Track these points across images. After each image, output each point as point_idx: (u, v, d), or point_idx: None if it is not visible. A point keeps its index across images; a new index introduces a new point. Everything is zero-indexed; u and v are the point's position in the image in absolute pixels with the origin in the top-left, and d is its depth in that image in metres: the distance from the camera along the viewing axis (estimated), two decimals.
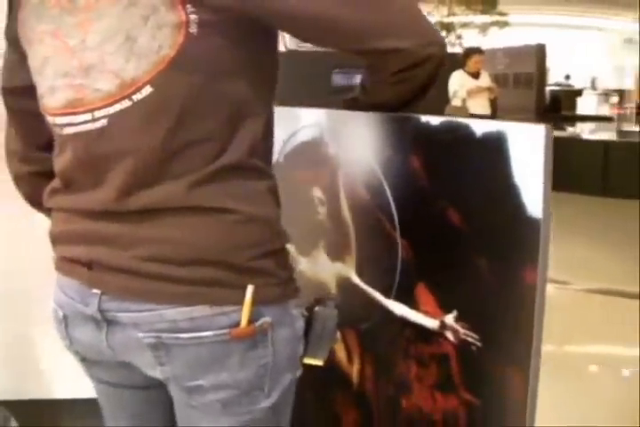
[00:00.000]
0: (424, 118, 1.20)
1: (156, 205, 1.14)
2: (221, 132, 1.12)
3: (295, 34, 1.21)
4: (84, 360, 1.34)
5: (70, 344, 1.31)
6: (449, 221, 1.16)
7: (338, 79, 2.87)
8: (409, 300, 1.31)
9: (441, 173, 1.18)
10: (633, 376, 3.39)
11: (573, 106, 13.90)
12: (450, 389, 1.26)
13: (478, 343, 1.16)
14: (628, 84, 17.74)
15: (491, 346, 1.15)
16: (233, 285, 1.13)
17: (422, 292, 1.27)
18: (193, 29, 1.05)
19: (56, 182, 1.26)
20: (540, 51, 13.44)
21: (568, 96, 13.79)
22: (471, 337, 1.18)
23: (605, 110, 14.60)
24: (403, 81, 1.19)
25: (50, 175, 1.34)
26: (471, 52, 8.16)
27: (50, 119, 1.19)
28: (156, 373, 1.21)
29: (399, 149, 1.27)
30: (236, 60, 1.10)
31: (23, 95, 1.30)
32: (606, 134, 10.01)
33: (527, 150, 0.98)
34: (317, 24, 1.10)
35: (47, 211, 1.40)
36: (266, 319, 1.15)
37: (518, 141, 1.00)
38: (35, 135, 1.35)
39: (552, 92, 13.16)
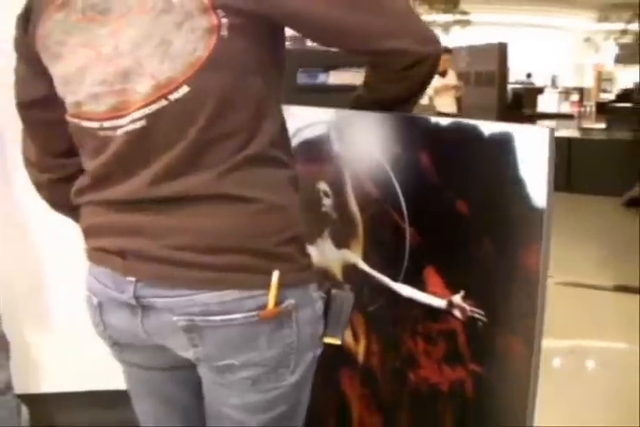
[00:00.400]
0: (433, 119, 1.35)
1: (186, 193, 1.21)
2: (247, 125, 1.21)
3: (306, 35, 1.31)
4: (115, 345, 1.41)
5: (104, 330, 1.38)
6: (457, 211, 1.31)
7: (302, 78, 3.00)
8: (417, 283, 1.45)
9: (450, 169, 1.32)
10: (597, 368, 3.59)
11: (535, 104, 14.15)
12: (457, 361, 1.40)
13: (484, 319, 1.31)
14: (588, 82, 18.15)
15: (496, 320, 1.30)
16: (259, 270, 1.22)
17: (431, 275, 1.42)
18: (224, 32, 1.14)
19: (84, 180, 1.34)
20: (501, 49, 13.63)
21: (529, 94, 14.01)
22: (478, 313, 1.33)
23: (566, 108, 14.93)
24: (404, 79, 1.30)
25: (69, 180, 1.41)
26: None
27: (88, 124, 1.26)
28: (189, 354, 1.29)
29: (408, 147, 1.41)
30: (259, 59, 1.20)
31: (39, 107, 1.38)
32: (568, 131, 10.27)
33: (532, 149, 1.14)
34: (326, 27, 1.19)
35: (69, 212, 1.48)
36: (290, 301, 1.24)
37: (524, 141, 1.15)
38: (51, 144, 1.43)
39: (514, 90, 13.37)
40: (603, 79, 18.20)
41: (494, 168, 1.23)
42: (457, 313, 1.37)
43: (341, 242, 1.68)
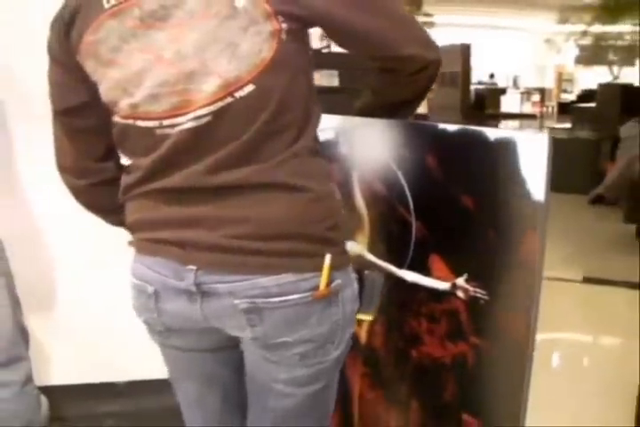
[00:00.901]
0: (441, 126, 1.55)
1: (243, 182, 1.31)
2: (298, 121, 1.33)
3: (336, 39, 1.40)
4: (165, 330, 1.50)
5: (158, 316, 1.46)
6: (462, 206, 1.51)
7: None
8: (422, 269, 1.65)
9: (456, 168, 1.52)
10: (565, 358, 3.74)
11: (497, 104, 14.39)
12: (459, 337, 1.60)
13: (486, 297, 1.52)
14: (549, 82, 18.53)
15: (497, 299, 1.50)
16: (312, 254, 1.34)
17: (435, 261, 1.62)
18: (283, 36, 1.26)
19: (134, 176, 1.41)
20: (464, 51, 13.84)
21: (492, 94, 14.24)
22: (480, 293, 1.53)
23: (528, 108, 15.22)
24: (410, 83, 1.47)
25: (108, 183, 1.51)
26: None
27: (145, 123, 1.34)
28: (246, 333, 1.40)
29: (416, 150, 1.60)
30: (306, 60, 1.34)
31: (80, 113, 1.45)
32: (534, 131, 10.53)
33: (533, 152, 1.34)
34: (355, 34, 1.33)
35: (108, 214, 1.58)
36: (338, 282, 1.37)
37: (526, 145, 1.36)
38: (91, 149, 1.50)
39: (477, 90, 13.61)
40: (563, 80, 18.59)
41: (498, 168, 1.43)
42: (460, 294, 1.57)
43: (348, 236, 1.86)
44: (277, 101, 1.29)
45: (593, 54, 17.02)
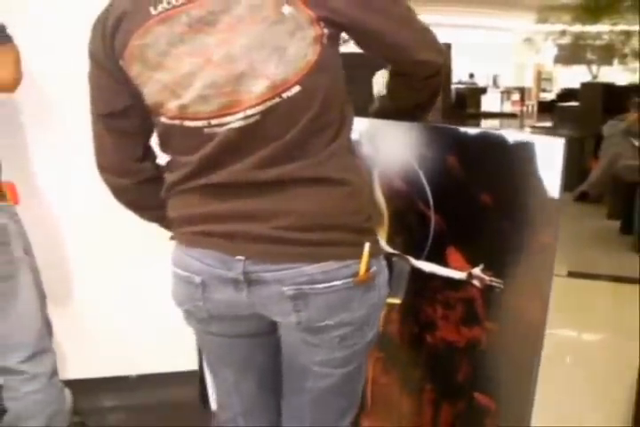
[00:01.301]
0: (462, 129, 1.69)
1: (286, 177, 1.40)
2: (337, 119, 1.43)
3: (364, 47, 1.47)
4: (208, 318, 1.57)
5: (203, 304, 1.54)
6: (481, 202, 1.65)
7: None
8: (439, 260, 1.79)
9: (475, 168, 1.67)
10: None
11: (478, 103, 14.53)
12: (474, 322, 1.74)
13: (501, 286, 1.67)
14: (528, 82, 18.72)
15: (512, 286, 1.64)
16: (352, 243, 1.45)
17: (452, 253, 1.76)
18: (324, 40, 1.36)
19: (178, 175, 1.49)
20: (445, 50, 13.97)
21: (473, 94, 14.38)
22: (495, 282, 1.67)
23: (508, 107, 15.40)
24: (425, 87, 1.60)
25: (149, 181, 1.58)
26: None
27: (193, 123, 1.41)
28: (289, 318, 1.49)
29: (438, 151, 1.75)
30: (340, 63, 1.44)
31: (124, 116, 1.51)
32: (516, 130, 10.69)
33: (550, 154, 1.49)
34: (384, 40, 1.43)
35: (149, 212, 1.66)
36: (374, 268, 1.49)
37: (543, 148, 1.51)
38: (133, 150, 1.57)
39: (457, 90, 13.75)
40: (542, 79, 18.78)
41: (517, 168, 1.57)
42: (476, 283, 1.71)
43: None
44: (320, 101, 1.39)
45: (572, 54, 17.22)
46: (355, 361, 1.60)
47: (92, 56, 1.48)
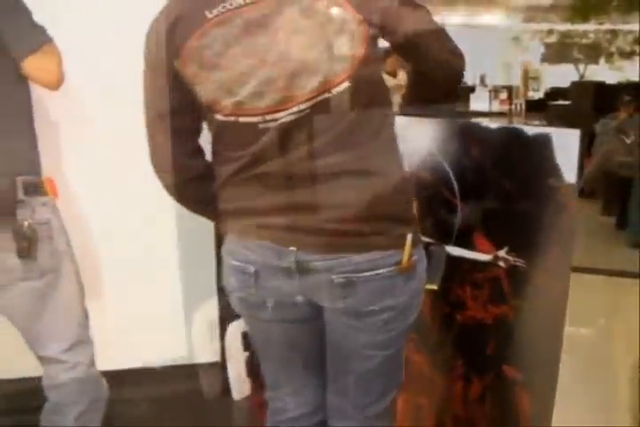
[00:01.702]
0: (484, 123, 1.89)
1: (334, 169, 1.47)
2: (381, 113, 1.52)
3: (395, 48, 1.58)
4: (261, 305, 1.65)
5: (256, 292, 1.62)
6: (503, 189, 1.84)
7: None
8: (466, 245, 1.96)
9: (498, 158, 1.85)
10: None
11: (467, 102, 14.61)
12: (501, 300, 1.92)
13: (524, 265, 1.85)
14: (515, 80, 18.84)
15: (535, 265, 1.83)
16: (397, 233, 1.53)
17: (479, 237, 1.95)
18: (370, 40, 1.44)
19: (231, 168, 1.55)
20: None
21: (461, 92, 14.48)
22: (519, 262, 1.85)
23: (496, 106, 15.51)
24: (440, 85, 1.66)
25: (202, 177, 1.64)
26: (389, 52, 8.79)
27: (248, 119, 1.49)
28: (337, 304, 1.58)
29: (462, 143, 1.93)
30: (381, 61, 1.59)
31: (177, 115, 1.57)
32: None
33: (567, 144, 1.68)
34: (417, 44, 1.54)
35: (203, 207, 1.71)
36: (415, 257, 1.56)
37: (561, 138, 1.70)
38: (185, 148, 1.63)
39: None
40: (529, 77, 18.90)
41: (536, 157, 1.76)
42: (501, 264, 1.89)
43: None
44: (366, 97, 1.48)
45: (559, 52, 17.38)
46: (396, 344, 1.69)
47: (147, 58, 1.56)
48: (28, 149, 2.09)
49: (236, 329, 2.67)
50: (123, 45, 2.10)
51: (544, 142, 1.73)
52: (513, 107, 16.07)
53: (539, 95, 16.50)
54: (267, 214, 1.57)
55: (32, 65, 1.98)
